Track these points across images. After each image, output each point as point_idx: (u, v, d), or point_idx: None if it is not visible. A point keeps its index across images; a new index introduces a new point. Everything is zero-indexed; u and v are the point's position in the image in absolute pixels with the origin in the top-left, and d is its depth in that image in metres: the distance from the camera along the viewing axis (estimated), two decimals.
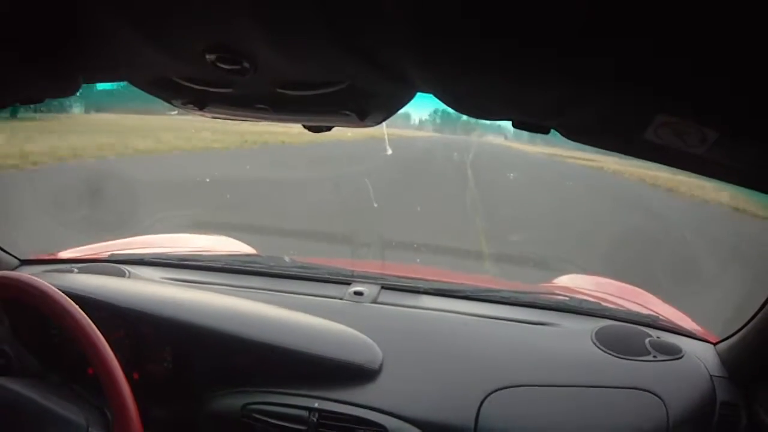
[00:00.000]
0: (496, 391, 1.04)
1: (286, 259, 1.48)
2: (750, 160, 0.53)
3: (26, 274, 0.95)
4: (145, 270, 1.38)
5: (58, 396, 0.91)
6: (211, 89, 0.62)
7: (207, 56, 0.50)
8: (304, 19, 0.45)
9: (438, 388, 1.06)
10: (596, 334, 1.16)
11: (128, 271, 1.34)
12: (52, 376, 1.06)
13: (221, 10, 0.44)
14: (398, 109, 0.70)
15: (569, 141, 0.62)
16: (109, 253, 1.48)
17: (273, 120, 0.74)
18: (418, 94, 0.62)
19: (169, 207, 4.36)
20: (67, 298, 0.90)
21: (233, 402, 1.06)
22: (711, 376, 1.07)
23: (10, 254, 1.38)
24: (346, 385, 1.06)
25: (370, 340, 1.12)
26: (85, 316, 0.88)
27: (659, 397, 1.02)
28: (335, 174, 7.52)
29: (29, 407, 0.93)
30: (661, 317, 1.29)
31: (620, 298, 1.48)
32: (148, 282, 1.30)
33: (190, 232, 2.45)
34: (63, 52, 0.55)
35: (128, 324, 1.10)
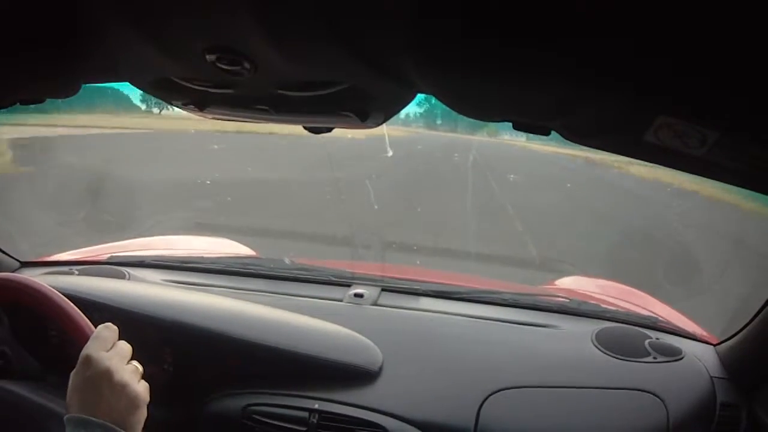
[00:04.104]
0: (496, 392, 1.04)
1: (286, 260, 1.48)
2: (751, 161, 0.53)
3: (26, 276, 0.95)
4: (146, 272, 1.38)
5: (58, 396, 0.91)
6: (212, 90, 0.62)
7: (207, 57, 0.50)
8: (305, 19, 0.45)
9: (438, 390, 1.06)
10: (596, 335, 1.16)
11: (128, 273, 1.34)
12: (51, 377, 1.06)
13: (221, 11, 0.45)
14: (399, 110, 0.70)
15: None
16: (109, 255, 1.49)
17: (273, 121, 0.74)
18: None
19: None
20: (67, 299, 0.90)
21: (233, 403, 1.06)
22: (711, 377, 1.07)
23: (11, 256, 1.38)
24: (346, 387, 1.06)
25: (370, 342, 1.12)
26: (85, 317, 0.88)
27: (659, 399, 1.02)
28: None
29: (29, 408, 0.93)
30: (661, 318, 1.29)
31: (620, 299, 1.48)
32: (148, 284, 1.30)
33: (190, 234, 2.45)
34: (63, 53, 0.56)
35: (128, 326, 1.10)
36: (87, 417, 0.67)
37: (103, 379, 0.70)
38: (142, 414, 0.73)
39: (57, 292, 0.90)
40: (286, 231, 4.29)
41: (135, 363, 0.76)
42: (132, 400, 0.71)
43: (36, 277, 0.95)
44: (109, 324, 0.78)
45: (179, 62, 0.55)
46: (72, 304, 0.89)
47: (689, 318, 1.41)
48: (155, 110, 14.50)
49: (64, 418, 0.68)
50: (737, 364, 1.08)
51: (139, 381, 0.74)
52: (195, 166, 8.03)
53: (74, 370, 0.72)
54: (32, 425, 0.94)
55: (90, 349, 0.73)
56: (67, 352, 1.01)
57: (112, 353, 0.73)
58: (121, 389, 0.70)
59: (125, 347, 0.76)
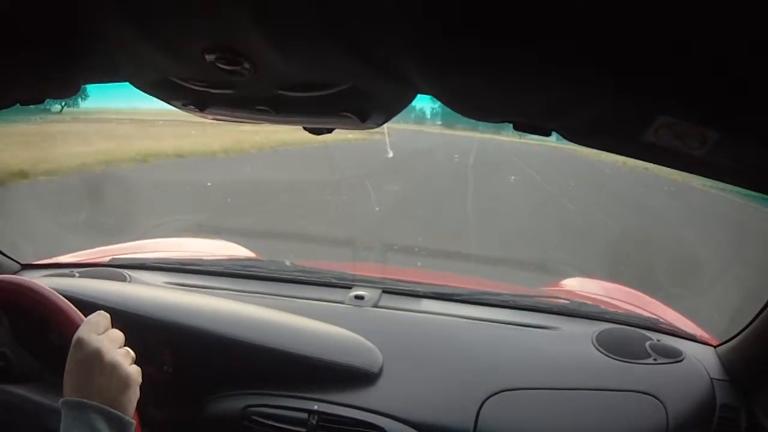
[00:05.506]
0: (495, 394, 1.03)
1: (287, 262, 1.48)
2: (751, 161, 0.53)
3: (27, 278, 0.95)
4: (146, 274, 1.38)
5: (59, 395, 0.91)
6: (211, 90, 0.62)
7: (207, 57, 0.50)
8: (305, 19, 0.45)
9: (438, 392, 1.05)
10: (597, 337, 1.16)
11: (129, 275, 1.34)
12: (52, 377, 1.06)
13: (221, 11, 0.45)
14: (399, 111, 0.70)
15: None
16: (110, 257, 1.49)
17: (274, 122, 0.74)
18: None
19: None
20: (68, 301, 0.90)
21: (233, 405, 1.06)
22: (711, 379, 1.07)
23: (11, 258, 1.38)
24: (346, 388, 1.06)
25: (370, 344, 1.12)
26: (84, 319, 0.88)
27: (659, 400, 1.01)
28: None
29: (31, 408, 0.93)
30: (661, 320, 1.29)
31: (621, 300, 1.48)
32: (149, 286, 1.30)
33: (191, 236, 2.45)
34: (63, 52, 0.56)
35: (129, 328, 1.10)
36: (80, 399, 0.69)
37: (94, 360, 0.71)
38: (134, 394, 0.74)
39: (57, 293, 0.90)
40: (287, 232, 4.29)
41: (126, 348, 0.77)
42: (123, 380, 0.72)
43: (37, 280, 0.95)
44: (101, 311, 0.79)
45: (179, 62, 0.55)
46: (73, 306, 0.89)
47: (690, 319, 1.41)
48: (56, 107, 11.48)
49: (60, 401, 0.69)
50: (737, 366, 1.08)
51: (130, 364, 0.75)
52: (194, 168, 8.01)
53: (68, 356, 0.73)
54: (33, 425, 0.94)
55: (81, 332, 0.74)
56: (68, 352, 1.01)
57: (103, 336, 0.75)
58: (111, 369, 0.71)
59: (117, 333, 0.78)
